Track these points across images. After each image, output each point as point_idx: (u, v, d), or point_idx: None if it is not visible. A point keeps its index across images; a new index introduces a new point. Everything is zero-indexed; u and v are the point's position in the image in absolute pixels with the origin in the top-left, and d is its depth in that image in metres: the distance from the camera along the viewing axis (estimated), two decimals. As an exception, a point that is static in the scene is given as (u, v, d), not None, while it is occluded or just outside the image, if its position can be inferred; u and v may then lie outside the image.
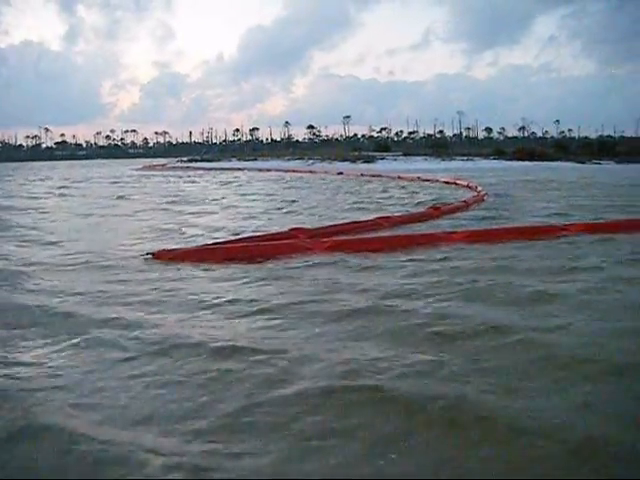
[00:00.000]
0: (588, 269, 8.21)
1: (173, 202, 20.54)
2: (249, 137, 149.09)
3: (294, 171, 47.12)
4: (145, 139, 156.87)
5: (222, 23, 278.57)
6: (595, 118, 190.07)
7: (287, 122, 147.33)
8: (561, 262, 8.75)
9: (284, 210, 17.48)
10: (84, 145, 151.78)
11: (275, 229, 12.27)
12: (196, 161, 78.71)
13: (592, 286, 7.16)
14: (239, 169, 54.08)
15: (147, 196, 23.96)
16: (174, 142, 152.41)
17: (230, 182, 34.72)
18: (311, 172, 44.94)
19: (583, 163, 53.37)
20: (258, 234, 11.65)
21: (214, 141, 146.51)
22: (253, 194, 24.46)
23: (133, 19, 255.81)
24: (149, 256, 9.37)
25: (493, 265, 8.59)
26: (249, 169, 53.59)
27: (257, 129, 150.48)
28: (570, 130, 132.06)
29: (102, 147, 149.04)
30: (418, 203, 18.24)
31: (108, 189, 29.07)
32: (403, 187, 26.68)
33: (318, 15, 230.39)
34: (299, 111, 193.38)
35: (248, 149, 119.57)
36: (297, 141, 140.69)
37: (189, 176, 43.62)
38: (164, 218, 15.81)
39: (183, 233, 12.74)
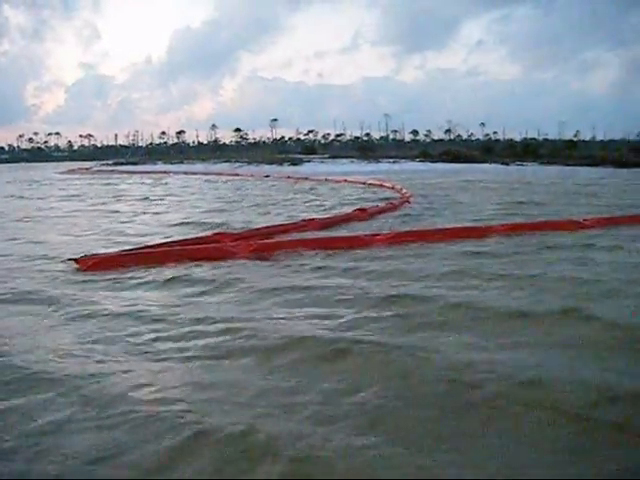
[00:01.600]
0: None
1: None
2: (176, 140, 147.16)
3: (220, 174, 46.59)
4: (69, 142, 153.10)
5: (151, 24, 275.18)
6: (520, 121, 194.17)
7: (214, 125, 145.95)
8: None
9: (213, 213, 17.28)
10: (6, 148, 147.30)
11: (200, 234, 12.08)
12: (121, 164, 76.86)
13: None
14: (165, 172, 53.12)
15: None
16: (99, 145, 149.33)
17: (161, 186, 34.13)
18: (237, 175, 44.64)
19: (507, 165, 54.66)
20: (181, 238, 11.45)
21: (140, 144, 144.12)
22: (181, 196, 24.12)
23: (60, 19, 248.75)
24: (71, 262, 9.12)
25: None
26: (175, 172, 52.72)
27: (184, 132, 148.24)
28: (495, 132, 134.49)
29: (25, 150, 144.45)
30: (344, 205, 18.28)
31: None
32: (331, 189, 26.73)
33: (248, 17, 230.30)
34: (226, 114, 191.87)
35: (175, 152, 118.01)
36: (224, 144, 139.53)
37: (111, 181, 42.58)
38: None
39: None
